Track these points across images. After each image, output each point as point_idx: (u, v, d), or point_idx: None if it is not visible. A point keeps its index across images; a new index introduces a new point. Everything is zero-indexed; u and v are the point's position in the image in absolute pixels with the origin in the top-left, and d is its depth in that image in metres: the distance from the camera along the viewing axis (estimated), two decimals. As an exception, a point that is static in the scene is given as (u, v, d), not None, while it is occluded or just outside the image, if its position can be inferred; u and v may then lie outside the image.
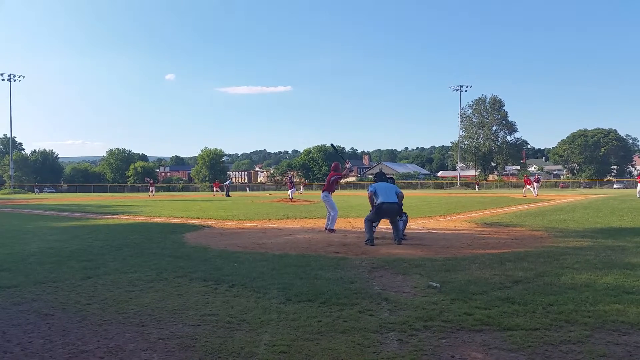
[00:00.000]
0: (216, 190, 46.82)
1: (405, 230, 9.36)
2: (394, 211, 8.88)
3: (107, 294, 4.81)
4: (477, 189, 67.81)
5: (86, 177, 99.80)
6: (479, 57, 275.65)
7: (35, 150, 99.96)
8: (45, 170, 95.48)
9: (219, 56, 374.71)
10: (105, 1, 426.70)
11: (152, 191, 44.81)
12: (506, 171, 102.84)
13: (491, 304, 4.25)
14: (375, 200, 8.98)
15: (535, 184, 32.10)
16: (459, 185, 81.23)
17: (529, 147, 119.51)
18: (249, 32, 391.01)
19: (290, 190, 30.15)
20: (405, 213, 9.53)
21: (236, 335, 3.50)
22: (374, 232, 9.05)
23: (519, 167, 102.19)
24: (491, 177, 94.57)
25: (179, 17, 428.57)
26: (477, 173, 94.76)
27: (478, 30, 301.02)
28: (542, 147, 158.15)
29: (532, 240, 8.72)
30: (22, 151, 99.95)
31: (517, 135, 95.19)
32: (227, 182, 47.09)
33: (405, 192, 11.27)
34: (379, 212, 8.92)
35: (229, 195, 39.76)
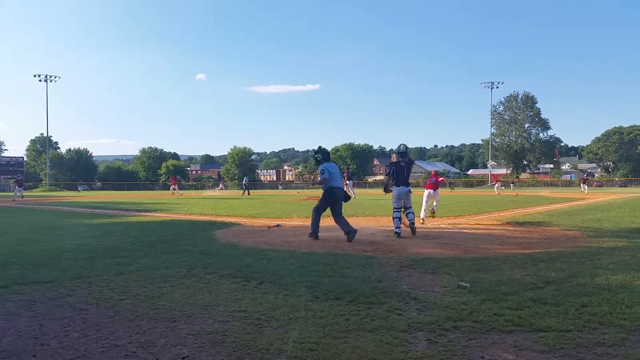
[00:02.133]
0: (173, 188, 39.39)
1: (435, 229, 9.26)
2: (341, 197, 8.54)
3: (139, 289, 4.91)
4: (512, 187, 66.56)
5: (119, 175, 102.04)
6: (510, 53, 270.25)
7: (70, 149, 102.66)
8: (79, 168, 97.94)
9: (249, 56, 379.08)
10: (138, 3, 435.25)
11: (174, 189, 39.60)
12: (539, 169, 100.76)
13: (522, 304, 4.17)
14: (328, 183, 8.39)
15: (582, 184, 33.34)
16: (490, 184, 79.93)
17: (562, 144, 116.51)
18: (278, 31, 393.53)
19: (349, 185, 27.91)
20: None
21: (265, 332, 3.54)
22: (400, 226, 9.09)
23: (552, 166, 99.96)
24: (523, 176, 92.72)
25: (210, 18, 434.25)
26: (508, 171, 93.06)
27: (510, 25, 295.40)
28: (576, 145, 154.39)
29: (565, 240, 8.52)
30: (58, 150, 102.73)
31: (550, 132, 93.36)
32: (245, 179, 43.62)
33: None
34: (329, 197, 8.47)
35: (248, 194, 38.06)
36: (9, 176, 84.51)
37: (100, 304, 4.37)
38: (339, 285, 4.92)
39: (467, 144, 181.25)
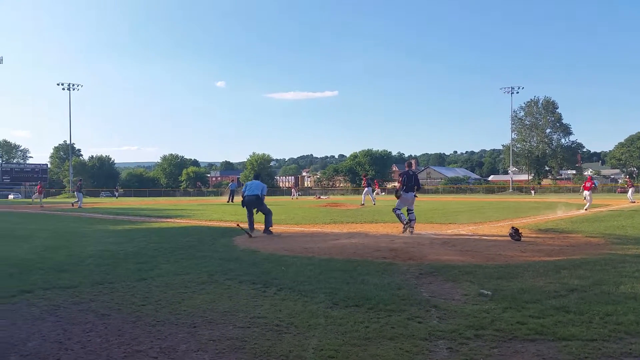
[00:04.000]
0: (35, 197, 33.86)
1: (454, 236, 9.24)
2: (250, 202, 11.37)
3: (160, 295, 4.97)
4: (533, 194, 65.64)
5: (141, 181, 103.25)
6: (530, 57, 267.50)
7: (92, 156, 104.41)
8: (102, 175, 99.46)
9: (268, 63, 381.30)
10: (158, 11, 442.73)
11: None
12: (561, 175, 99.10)
13: (545, 312, 4.11)
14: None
15: (629, 189, 32.61)
16: (511, 190, 78.92)
17: (585, 150, 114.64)
18: (296, 38, 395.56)
19: (368, 192, 26.77)
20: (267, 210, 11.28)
21: (284, 339, 3.54)
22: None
23: (574, 171, 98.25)
24: (545, 182, 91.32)
25: (229, 26, 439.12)
26: (530, 177, 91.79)
27: (530, 30, 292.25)
28: (599, 151, 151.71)
29: (589, 247, 8.37)
30: (81, 157, 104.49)
31: (571, 138, 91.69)
32: (230, 184, 39.01)
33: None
34: (245, 204, 11.50)
35: (232, 201, 32.91)
36: (33, 183, 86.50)
37: (122, 309, 4.43)
38: (358, 292, 4.91)
39: (488, 149, 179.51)
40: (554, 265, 6.46)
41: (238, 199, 36.60)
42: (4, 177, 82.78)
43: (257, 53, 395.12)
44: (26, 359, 3.24)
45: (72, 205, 29.48)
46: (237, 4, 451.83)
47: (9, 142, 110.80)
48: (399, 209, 10.82)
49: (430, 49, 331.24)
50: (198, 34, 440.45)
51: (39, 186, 33.90)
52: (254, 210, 11.41)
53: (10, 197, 72.42)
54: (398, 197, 11.04)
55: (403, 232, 10.57)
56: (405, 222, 10.59)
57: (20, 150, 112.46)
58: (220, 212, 20.97)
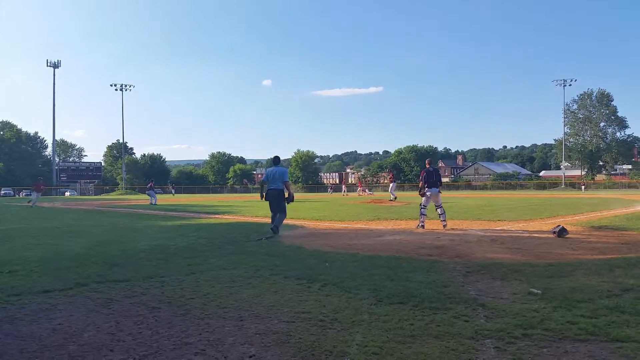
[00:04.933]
0: (34, 197, 29.46)
1: (503, 233, 9.04)
2: (272, 197, 10.12)
3: (208, 289, 5.10)
4: (583, 190, 63.15)
5: (191, 179, 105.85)
6: (583, 48, 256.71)
7: (144, 154, 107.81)
8: (153, 172, 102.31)
9: (313, 60, 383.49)
10: (208, 12, 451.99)
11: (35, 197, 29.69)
12: (616, 170, 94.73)
13: (598, 312, 3.96)
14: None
15: None
16: (563, 186, 76.15)
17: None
18: (341, 35, 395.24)
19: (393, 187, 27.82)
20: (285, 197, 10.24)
21: (329, 334, 3.57)
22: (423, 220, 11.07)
23: (630, 166, 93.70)
24: (599, 177, 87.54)
25: (274, 25, 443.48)
26: (583, 172, 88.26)
27: (581, 19, 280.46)
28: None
29: (648, 246, 7.98)
30: (133, 155, 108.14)
31: (627, 131, 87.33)
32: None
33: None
34: (266, 198, 10.25)
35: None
36: (89, 180, 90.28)
37: (172, 303, 4.58)
38: (402, 289, 4.88)
39: (539, 144, 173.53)
40: (607, 263, 6.21)
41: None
42: (61, 175, 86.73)
43: (302, 51, 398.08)
44: (82, 348, 3.40)
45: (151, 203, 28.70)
46: (282, 4, 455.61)
47: (66, 141, 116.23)
48: (425, 207, 11.27)
49: (477, 41, 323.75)
50: (244, 34, 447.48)
51: (39, 184, 29.60)
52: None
53: (67, 194, 75.89)
54: (423, 196, 11.46)
55: (417, 228, 11.03)
56: (422, 221, 11.13)
57: (76, 149, 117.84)
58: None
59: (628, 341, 3.30)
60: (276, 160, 10.75)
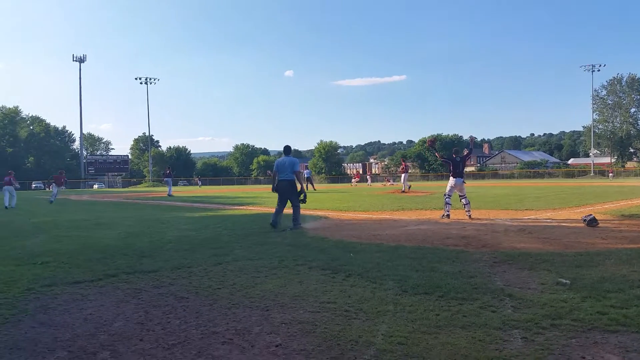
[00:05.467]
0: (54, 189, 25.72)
1: (531, 223, 8.88)
2: (283, 189, 9.60)
3: (235, 279, 5.16)
4: (610, 177, 61.64)
5: (215, 170, 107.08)
6: (613, 31, 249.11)
7: (170, 147, 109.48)
8: (179, 165, 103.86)
9: (335, 50, 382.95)
10: (228, 3, 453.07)
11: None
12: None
13: (629, 303, 3.87)
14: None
15: None
16: (592, 174, 74.43)
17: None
18: (362, 24, 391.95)
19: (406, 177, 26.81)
20: (300, 199, 9.77)
21: (354, 324, 3.58)
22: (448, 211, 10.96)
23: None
24: (630, 165, 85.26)
25: (296, 15, 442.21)
26: (613, 160, 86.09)
27: (609, 3, 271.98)
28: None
29: (682, 235, 7.75)
30: (159, 148, 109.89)
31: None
32: (306, 172, 34.87)
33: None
34: (276, 190, 9.74)
35: (313, 189, 32.56)
36: (116, 173, 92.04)
37: (199, 293, 4.64)
38: (428, 280, 4.85)
39: (567, 131, 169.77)
40: (638, 253, 6.06)
41: (316, 186, 36.54)
42: (89, 168, 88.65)
43: (323, 41, 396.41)
44: (113, 337, 3.48)
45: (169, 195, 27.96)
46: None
47: (93, 135, 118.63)
48: (449, 196, 11.17)
49: (502, 27, 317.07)
50: (265, 25, 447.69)
51: (59, 176, 26.22)
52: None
53: (95, 186, 77.55)
54: (431, 144, 11.90)
55: (441, 218, 10.97)
56: (447, 210, 11.04)
57: (103, 143, 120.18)
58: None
59: (661, 332, 3.22)
60: (287, 149, 10.15)
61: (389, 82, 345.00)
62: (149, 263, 6.19)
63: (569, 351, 2.99)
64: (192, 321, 3.79)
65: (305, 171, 38.67)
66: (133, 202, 23.69)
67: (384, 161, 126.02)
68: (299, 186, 9.88)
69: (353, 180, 50.84)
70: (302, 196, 9.84)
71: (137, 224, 11.55)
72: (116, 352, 3.21)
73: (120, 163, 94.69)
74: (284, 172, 9.69)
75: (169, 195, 28.13)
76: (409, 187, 26.56)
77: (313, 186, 34.79)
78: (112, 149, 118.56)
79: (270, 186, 10.37)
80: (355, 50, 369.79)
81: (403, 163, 28.42)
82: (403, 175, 26.96)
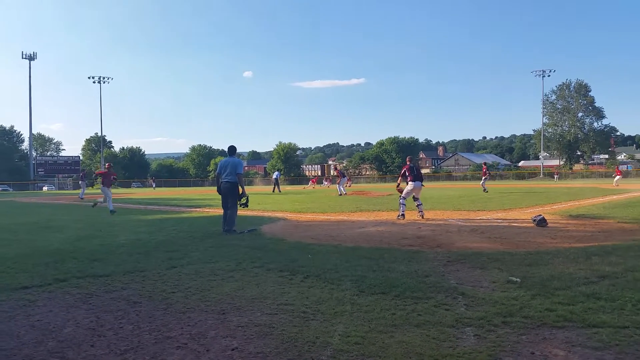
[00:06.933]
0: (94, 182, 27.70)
1: (483, 223, 9.15)
2: (224, 190, 9.39)
3: (190, 282, 5.07)
4: (555, 179, 64.18)
5: (171, 172, 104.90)
6: (562, 39, 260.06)
7: (123, 148, 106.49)
8: (133, 166, 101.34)
9: (294, 52, 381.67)
10: (187, 3, 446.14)
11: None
12: (593, 160, 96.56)
13: (575, 299, 4.04)
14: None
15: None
16: (542, 176, 77.28)
17: (618, 134, 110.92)
18: (322, 26, 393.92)
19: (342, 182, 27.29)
20: (241, 203, 9.52)
21: (311, 325, 3.58)
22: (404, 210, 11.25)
23: (607, 156, 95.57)
24: (577, 167, 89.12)
25: (256, 16, 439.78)
26: (561, 162, 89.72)
27: (560, 10, 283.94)
28: (633, 134, 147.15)
29: (621, 233, 8.17)
30: (112, 149, 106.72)
31: (604, 122, 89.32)
32: (276, 174, 37.36)
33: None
34: (219, 191, 9.55)
35: (279, 191, 33.83)
36: (67, 175, 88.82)
37: (153, 297, 4.54)
38: (384, 280, 4.91)
39: (518, 134, 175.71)
40: (584, 251, 6.33)
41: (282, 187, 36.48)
42: (38, 170, 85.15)
43: (284, 42, 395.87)
44: (62, 344, 3.35)
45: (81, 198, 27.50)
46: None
47: (43, 135, 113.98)
48: (404, 198, 11.57)
49: (458, 34, 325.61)
50: (225, 25, 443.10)
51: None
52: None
53: (45, 188, 74.54)
54: (400, 191, 11.96)
55: (397, 218, 11.26)
56: (402, 211, 11.39)
57: (54, 143, 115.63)
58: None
59: (604, 327, 3.38)
60: (231, 150, 9.91)
61: (348, 85, 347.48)
62: (101, 267, 6.00)
63: (520, 347, 3.09)
64: (146, 326, 3.70)
65: (275, 173, 39.11)
66: (85, 205, 22.90)
67: (343, 163, 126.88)
68: (240, 189, 9.55)
69: (310, 183, 50.90)
70: (243, 199, 9.49)
71: (89, 227, 11.19)
72: (65, 359, 3.09)
73: (71, 164, 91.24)
74: (226, 174, 9.38)
75: (81, 198, 27.76)
76: (344, 193, 26.42)
77: (279, 189, 35.11)
78: (63, 149, 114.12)
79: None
80: (315, 53, 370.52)
81: (337, 171, 29.24)
82: (340, 179, 27.54)
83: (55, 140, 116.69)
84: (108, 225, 11.62)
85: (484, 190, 25.14)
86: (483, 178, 26.58)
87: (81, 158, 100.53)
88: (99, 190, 17.27)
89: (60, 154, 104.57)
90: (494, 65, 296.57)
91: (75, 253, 7.07)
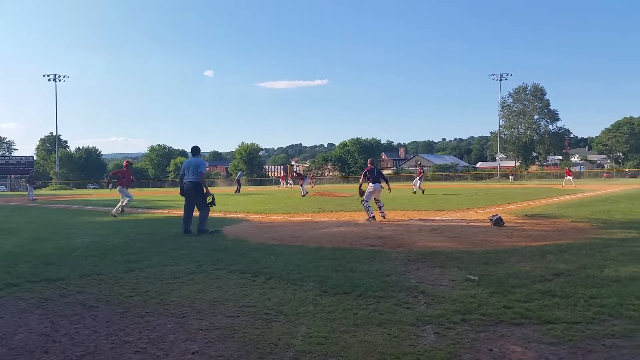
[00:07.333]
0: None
1: (442, 223, 9.33)
2: (188, 191, 9.35)
3: (149, 286, 4.95)
4: (511, 180, 66.06)
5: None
6: (518, 43, 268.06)
7: (79, 148, 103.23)
8: (89, 166, 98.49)
9: (256, 52, 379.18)
10: (146, 3, 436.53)
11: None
12: (548, 161, 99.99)
13: (531, 297, 4.17)
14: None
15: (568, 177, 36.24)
16: (498, 177, 79.45)
17: (572, 136, 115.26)
18: (285, 27, 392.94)
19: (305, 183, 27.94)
20: (208, 202, 9.54)
21: (274, 327, 3.56)
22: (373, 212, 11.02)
23: (561, 157, 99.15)
24: (532, 168, 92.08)
25: (217, 14, 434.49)
26: (517, 164, 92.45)
27: (517, 15, 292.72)
28: (586, 136, 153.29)
29: (575, 232, 8.47)
30: (67, 149, 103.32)
31: (559, 124, 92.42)
32: (239, 174, 37.53)
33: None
34: (182, 193, 9.46)
35: (238, 191, 34.03)
36: (20, 175, 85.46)
37: (110, 301, 4.41)
38: (347, 280, 4.93)
39: (476, 136, 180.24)
40: (540, 250, 6.54)
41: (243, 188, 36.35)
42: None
43: (246, 42, 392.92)
44: (13, 351, 3.22)
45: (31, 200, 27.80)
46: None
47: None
48: (367, 201, 11.55)
49: (418, 38, 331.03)
50: (185, 22, 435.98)
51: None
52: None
53: (-5, 190, 71.51)
54: (362, 194, 11.93)
55: (367, 221, 11.01)
56: (370, 213, 11.26)
57: (6, 143, 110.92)
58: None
59: (558, 322, 3.50)
60: (194, 150, 9.91)
61: (311, 86, 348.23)
62: (55, 270, 5.79)
63: (478, 344, 3.16)
64: (102, 331, 3.59)
65: (238, 173, 38.80)
66: (39, 206, 22.09)
67: (306, 164, 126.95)
68: (204, 188, 9.59)
69: (282, 182, 50.46)
70: (210, 199, 9.54)
71: (42, 229, 10.79)
72: (15, 368, 2.97)
73: (24, 164, 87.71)
74: (189, 174, 9.40)
75: (32, 200, 27.64)
76: (307, 193, 26.62)
77: (239, 189, 34.62)
78: (16, 149, 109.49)
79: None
80: (278, 53, 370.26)
81: (297, 173, 29.68)
82: (302, 181, 28.04)
83: (7, 140, 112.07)
84: (63, 227, 11.23)
85: (414, 192, 24.30)
86: (417, 177, 26.16)
87: (35, 158, 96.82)
88: (100, 194, 16.40)
89: (12, 154, 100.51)
90: (453, 68, 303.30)
91: (28, 256, 6.80)
